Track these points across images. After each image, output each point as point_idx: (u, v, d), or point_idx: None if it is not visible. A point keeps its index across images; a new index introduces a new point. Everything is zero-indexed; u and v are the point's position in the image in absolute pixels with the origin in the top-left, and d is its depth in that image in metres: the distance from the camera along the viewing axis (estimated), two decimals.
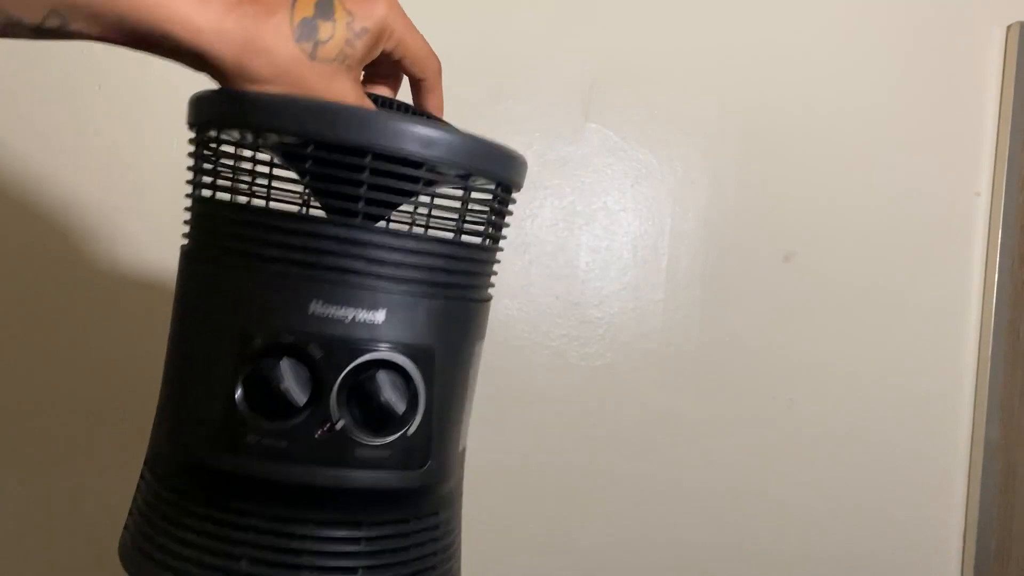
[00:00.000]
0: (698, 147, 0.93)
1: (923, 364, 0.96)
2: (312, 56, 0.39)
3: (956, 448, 0.97)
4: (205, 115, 0.41)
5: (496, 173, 0.44)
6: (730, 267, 0.93)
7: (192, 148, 0.43)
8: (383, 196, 0.40)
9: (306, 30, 0.38)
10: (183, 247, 0.44)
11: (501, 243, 0.48)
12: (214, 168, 0.43)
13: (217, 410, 0.39)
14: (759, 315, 0.93)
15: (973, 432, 0.96)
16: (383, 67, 0.46)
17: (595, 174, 0.91)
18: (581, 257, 0.90)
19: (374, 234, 0.39)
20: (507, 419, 0.88)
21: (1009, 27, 0.98)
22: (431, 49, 0.47)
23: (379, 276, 0.39)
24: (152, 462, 0.43)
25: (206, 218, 0.42)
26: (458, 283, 0.43)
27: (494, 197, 0.45)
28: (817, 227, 0.95)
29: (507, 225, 0.48)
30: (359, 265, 0.39)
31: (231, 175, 0.43)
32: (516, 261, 0.89)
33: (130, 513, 0.44)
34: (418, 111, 0.48)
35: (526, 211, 0.90)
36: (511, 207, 0.47)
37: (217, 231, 0.41)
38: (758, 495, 0.93)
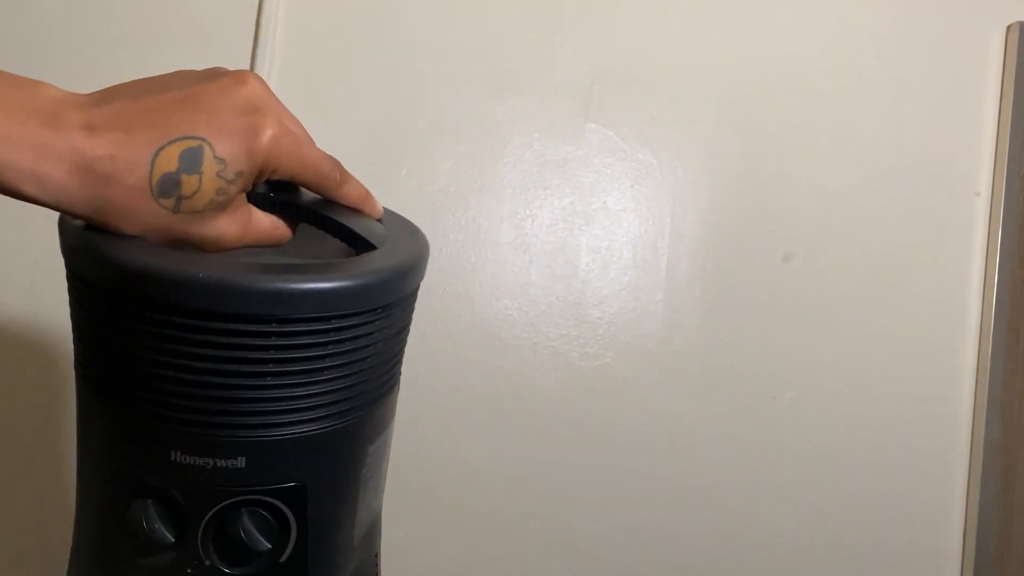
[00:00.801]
0: (698, 147, 0.93)
1: (923, 364, 0.96)
2: (176, 210, 0.36)
3: (956, 448, 0.97)
4: (70, 254, 0.39)
5: (365, 303, 0.39)
6: (730, 267, 0.93)
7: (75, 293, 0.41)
8: (237, 354, 0.37)
9: (167, 187, 0.35)
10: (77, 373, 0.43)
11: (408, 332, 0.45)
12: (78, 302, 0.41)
13: (94, 546, 0.41)
14: (759, 315, 0.93)
15: (973, 432, 0.96)
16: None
17: (595, 174, 0.91)
18: (581, 257, 0.90)
19: (230, 388, 0.37)
20: (507, 419, 0.88)
21: (1009, 27, 0.98)
22: (323, 157, 0.41)
23: (237, 426, 0.38)
24: None
25: (83, 347, 0.41)
26: (325, 414, 0.40)
27: (364, 323, 0.40)
28: (817, 227, 0.95)
29: (396, 332, 0.43)
30: (216, 419, 0.38)
31: (91, 315, 0.40)
32: (516, 261, 0.89)
33: None
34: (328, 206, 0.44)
35: (526, 211, 0.90)
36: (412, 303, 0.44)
37: (87, 363, 0.41)
38: (758, 495, 0.93)
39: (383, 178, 0.86)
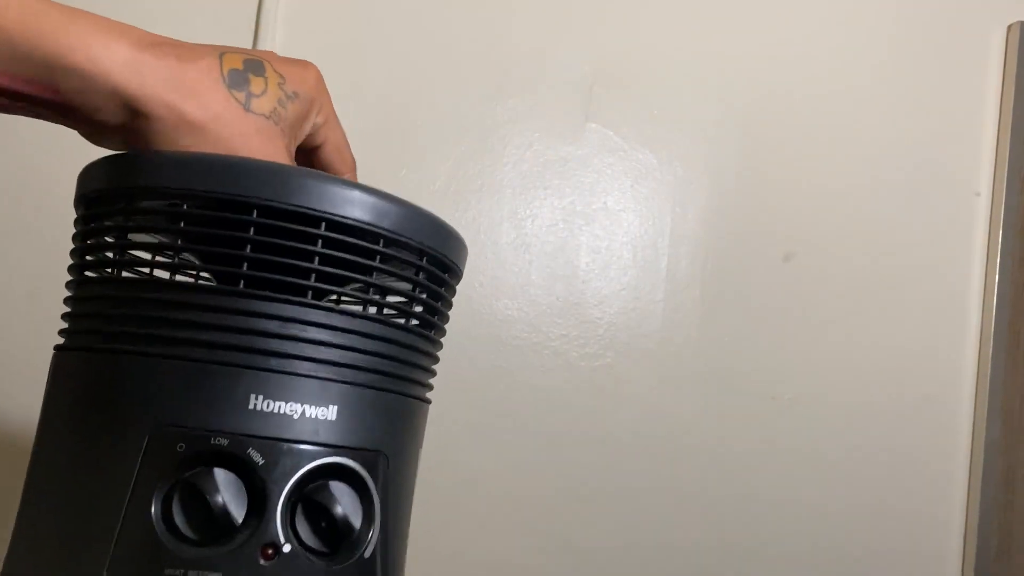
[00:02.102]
0: (698, 147, 0.93)
1: (923, 364, 0.96)
2: (247, 107, 0.35)
3: (956, 448, 0.96)
4: (127, 179, 0.35)
5: (447, 254, 0.38)
6: (730, 267, 0.93)
7: (89, 223, 0.37)
8: (334, 271, 0.34)
9: (237, 80, 0.35)
10: (61, 344, 0.37)
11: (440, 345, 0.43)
12: (119, 243, 0.35)
13: (123, 538, 0.31)
14: (759, 315, 0.93)
15: (974, 432, 0.96)
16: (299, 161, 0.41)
17: (595, 174, 0.91)
18: (581, 257, 0.90)
19: (327, 313, 0.33)
20: (507, 419, 0.88)
21: (1009, 27, 0.98)
22: (348, 142, 0.43)
23: (333, 364, 0.33)
24: None
25: (109, 301, 0.34)
26: (411, 376, 0.37)
27: (443, 284, 0.39)
28: (817, 227, 0.95)
29: (448, 319, 0.42)
30: (309, 350, 0.32)
31: (149, 249, 0.36)
32: (516, 261, 0.89)
33: None
34: None
35: (526, 211, 0.90)
36: (452, 297, 0.42)
37: (126, 314, 0.33)
38: (758, 495, 0.93)
39: (383, 178, 0.86)
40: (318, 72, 0.38)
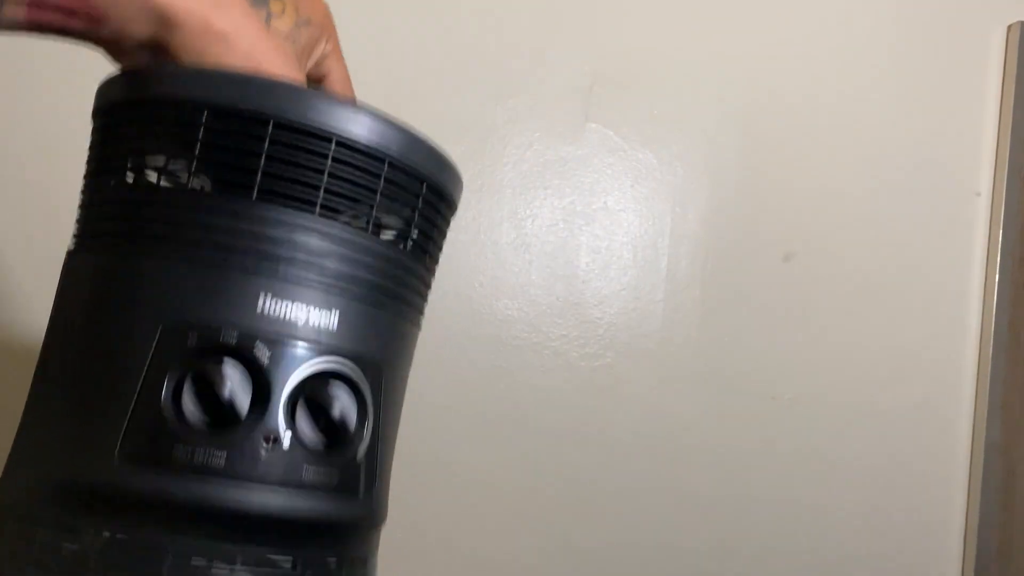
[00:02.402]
0: (698, 147, 0.93)
1: (923, 364, 0.96)
2: (268, 23, 0.36)
3: (956, 448, 0.97)
4: (147, 91, 0.36)
5: (445, 185, 0.42)
6: (730, 267, 0.93)
7: (108, 133, 0.39)
8: (343, 188, 0.36)
9: (257, 0, 0.36)
10: (77, 248, 0.38)
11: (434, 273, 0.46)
12: (139, 148, 0.37)
13: (135, 421, 0.33)
14: (759, 315, 0.93)
15: (973, 432, 0.96)
16: None
17: (595, 174, 0.91)
18: (581, 257, 0.90)
19: (334, 227, 0.35)
20: (507, 419, 0.88)
21: (1009, 27, 0.98)
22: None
23: (337, 275, 0.35)
24: (14, 502, 0.35)
25: (125, 205, 0.36)
26: (406, 298, 0.39)
27: (439, 213, 0.41)
28: (817, 227, 0.95)
29: (440, 251, 0.44)
30: (316, 259, 0.35)
31: (169, 153, 0.37)
32: (516, 261, 0.89)
33: None
34: None
35: (526, 211, 0.90)
36: (446, 229, 0.45)
37: (146, 218, 0.35)
38: (758, 495, 0.93)
39: None
40: (327, 4, 0.40)
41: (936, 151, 0.97)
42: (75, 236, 0.38)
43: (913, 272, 0.96)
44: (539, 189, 0.90)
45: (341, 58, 0.43)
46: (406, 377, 0.41)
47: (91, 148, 0.39)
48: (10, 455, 0.36)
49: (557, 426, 0.89)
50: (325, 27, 0.40)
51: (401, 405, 0.41)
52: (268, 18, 0.37)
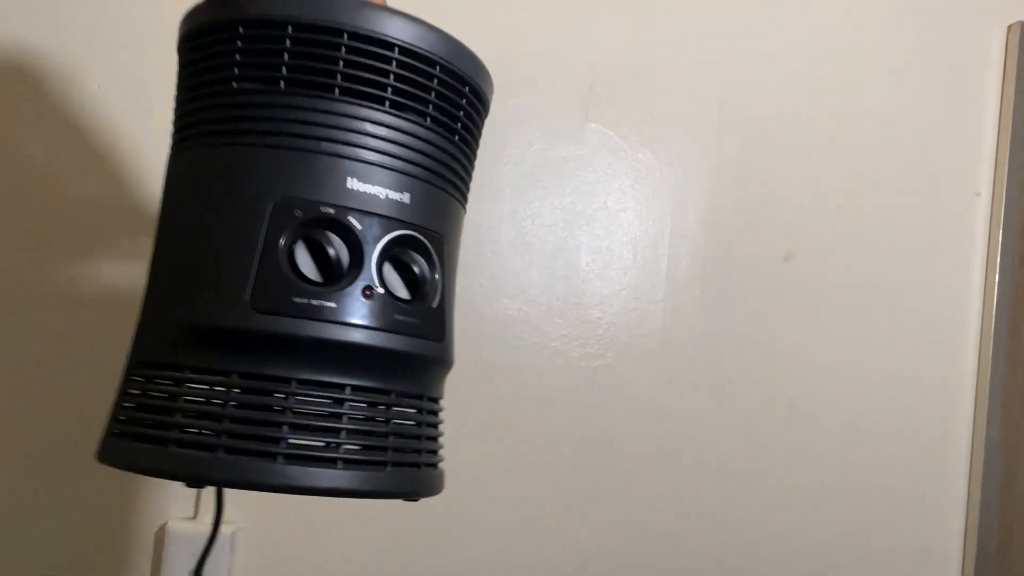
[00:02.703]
0: (698, 147, 0.93)
1: (923, 364, 0.96)
2: None
3: (956, 448, 0.97)
4: (239, 9, 0.43)
5: (484, 88, 0.51)
6: (730, 267, 0.93)
7: (201, 50, 0.45)
8: (407, 88, 0.44)
9: None
10: (189, 144, 0.45)
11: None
12: (235, 61, 0.44)
13: (260, 278, 0.40)
14: (759, 315, 0.93)
15: (973, 432, 0.96)
16: None
17: (595, 174, 0.91)
18: (581, 257, 0.90)
19: (401, 120, 0.44)
20: (507, 419, 0.88)
21: (1009, 27, 0.98)
22: None
23: (406, 161, 0.44)
24: (153, 352, 0.43)
25: (228, 108, 0.44)
26: (455, 182, 0.48)
27: (478, 112, 0.50)
28: (817, 227, 0.95)
29: (478, 143, 0.52)
30: (390, 148, 0.43)
31: (277, 63, 0.44)
32: (516, 261, 0.89)
33: (119, 420, 0.43)
34: None
35: (526, 211, 0.90)
36: (482, 125, 0.53)
37: (243, 117, 0.43)
38: (758, 494, 0.93)
39: None
40: None
41: (936, 151, 0.97)
42: (180, 139, 0.46)
43: (913, 272, 0.96)
44: (539, 189, 0.90)
45: None
46: (458, 249, 0.49)
47: (188, 65, 0.45)
48: (139, 322, 0.45)
49: (557, 426, 0.89)
50: None
51: (455, 271, 0.49)
52: None
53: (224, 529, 0.81)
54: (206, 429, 0.39)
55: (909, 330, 0.96)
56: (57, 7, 0.82)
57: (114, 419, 0.43)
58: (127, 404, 0.43)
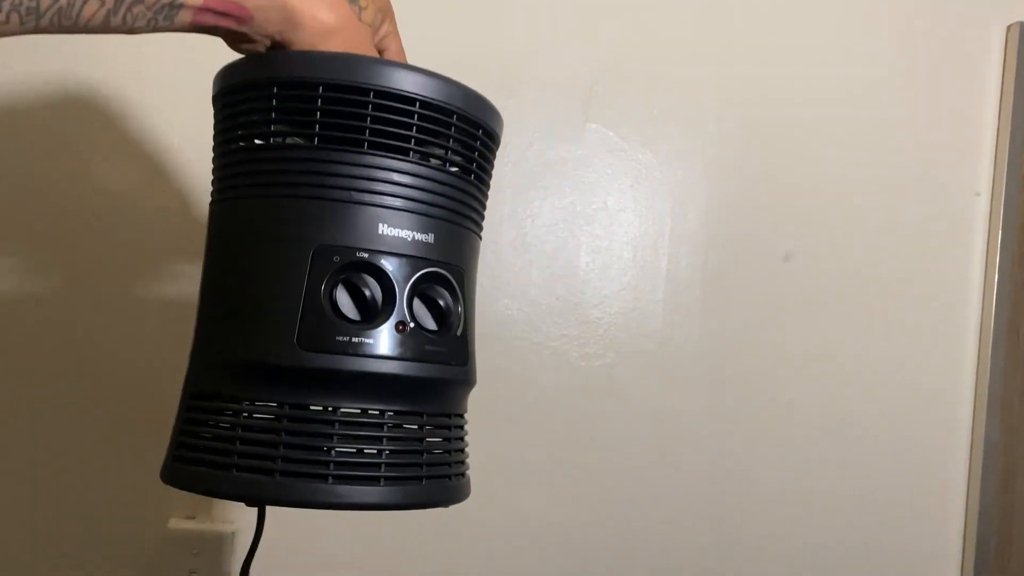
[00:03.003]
0: (698, 147, 0.93)
1: (923, 364, 0.96)
2: (360, 17, 0.47)
3: (956, 448, 0.97)
4: (278, 70, 0.47)
5: (495, 129, 0.54)
6: (730, 267, 0.93)
7: (237, 103, 0.49)
8: (426, 138, 0.48)
9: None
10: (218, 198, 0.50)
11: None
12: (270, 118, 0.48)
13: (305, 319, 0.45)
14: (759, 315, 0.93)
15: (973, 432, 0.96)
16: None
17: (595, 174, 0.91)
18: (581, 257, 0.90)
19: (423, 167, 0.48)
20: (507, 419, 0.88)
21: (1009, 27, 0.98)
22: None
23: (429, 204, 0.48)
24: (208, 385, 0.48)
25: (271, 162, 0.48)
26: (473, 217, 0.52)
27: (491, 149, 0.54)
28: (817, 227, 0.95)
29: (491, 176, 0.56)
30: (415, 195, 0.47)
31: (310, 123, 0.48)
32: (516, 261, 0.89)
33: (181, 445, 0.48)
34: None
35: (526, 211, 0.90)
36: (494, 160, 0.56)
37: (284, 171, 0.48)
38: (757, 494, 0.93)
39: None
40: None
41: (936, 151, 0.97)
42: (220, 188, 0.50)
43: (913, 272, 0.96)
44: (539, 189, 0.90)
45: (397, 36, 0.54)
46: (476, 275, 0.53)
47: (226, 120, 0.50)
48: (192, 356, 0.49)
49: (557, 426, 0.89)
50: (388, 11, 0.51)
51: (475, 297, 0.53)
52: (359, 12, 0.48)
53: (224, 528, 0.81)
54: (263, 455, 0.44)
55: (908, 330, 0.96)
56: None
57: (177, 444, 0.48)
58: (188, 431, 0.48)
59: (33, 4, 0.38)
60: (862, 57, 0.96)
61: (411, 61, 0.87)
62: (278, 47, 0.47)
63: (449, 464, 0.50)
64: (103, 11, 0.41)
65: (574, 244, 0.90)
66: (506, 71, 0.89)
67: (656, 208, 0.92)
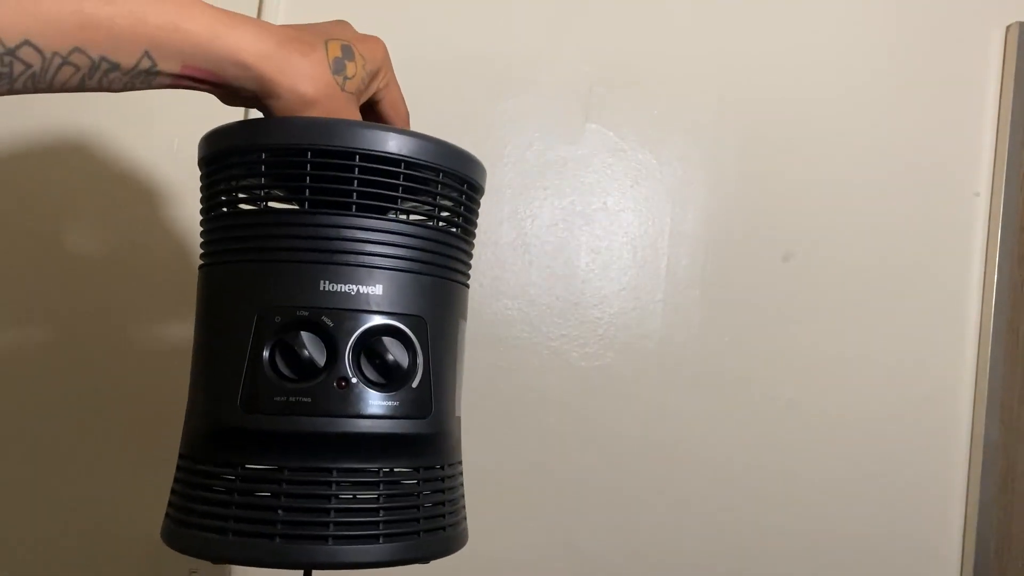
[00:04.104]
0: (698, 147, 0.93)
1: (923, 364, 0.96)
2: (343, 87, 0.48)
3: (956, 448, 0.97)
4: (255, 138, 0.48)
5: (475, 177, 0.53)
6: (730, 267, 0.93)
7: (219, 174, 0.50)
8: (384, 192, 0.48)
9: (338, 67, 0.48)
10: (202, 264, 0.51)
11: (473, 240, 0.55)
12: (233, 186, 0.49)
13: (247, 381, 0.46)
14: (759, 315, 0.93)
15: (973, 432, 0.96)
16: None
17: (595, 174, 0.91)
18: (581, 257, 0.90)
19: (368, 222, 0.47)
20: (507, 419, 0.88)
21: (1009, 27, 0.98)
22: (403, 97, 0.56)
23: (375, 255, 0.47)
24: (188, 448, 0.49)
25: (223, 230, 0.49)
26: (438, 263, 0.50)
27: (461, 194, 0.52)
28: (817, 227, 0.95)
29: (475, 223, 0.54)
30: (358, 247, 0.47)
31: (253, 190, 0.49)
32: (516, 261, 0.89)
33: (170, 504, 0.49)
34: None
35: (526, 211, 0.90)
36: (477, 207, 0.55)
37: (233, 237, 0.48)
38: (757, 494, 0.93)
39: None
40: (384, 47, 0.52)
41: (936, 151, 0.97)
42: (201, 255, 0.51)
43: (913, 272, 0.96)
44: (539, 189, 0.90)
45: (394, 86, 0.54)
46: (456, 321, 0.52)
47: (203, 189, 0.51)
48: (185, 417, 0.50)
49: (557, 426, 0.89)
50: (383, 67, 0.52)
51: (455, 341, 0.52)
52: (344, 82, 0.48)
53: None
54: (219, 515, 0.45)
55: (908, 330, 0.96)
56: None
57: (172, 505, 0.49)
58: (178, 492, 0.49)
59: (6, 70, 0.39)
60: (861, 57, 0.96)
61: (411, 61, 0.87)
62: (265, 109, 0.48)
63: (420, 520, 0.48)
64: (77, 76, 0.41)
65: (574, 244, 0.90)
66: (506, 72, 0.90)
67: (656, 208, 0.92)
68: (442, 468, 0.51)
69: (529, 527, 0.89)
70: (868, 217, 0.95)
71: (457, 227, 0.53)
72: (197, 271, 0.51)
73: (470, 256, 0.55)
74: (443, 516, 0.50)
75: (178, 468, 0.50)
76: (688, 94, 0.93)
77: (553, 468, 0.89)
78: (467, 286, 0.54)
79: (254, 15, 0.84)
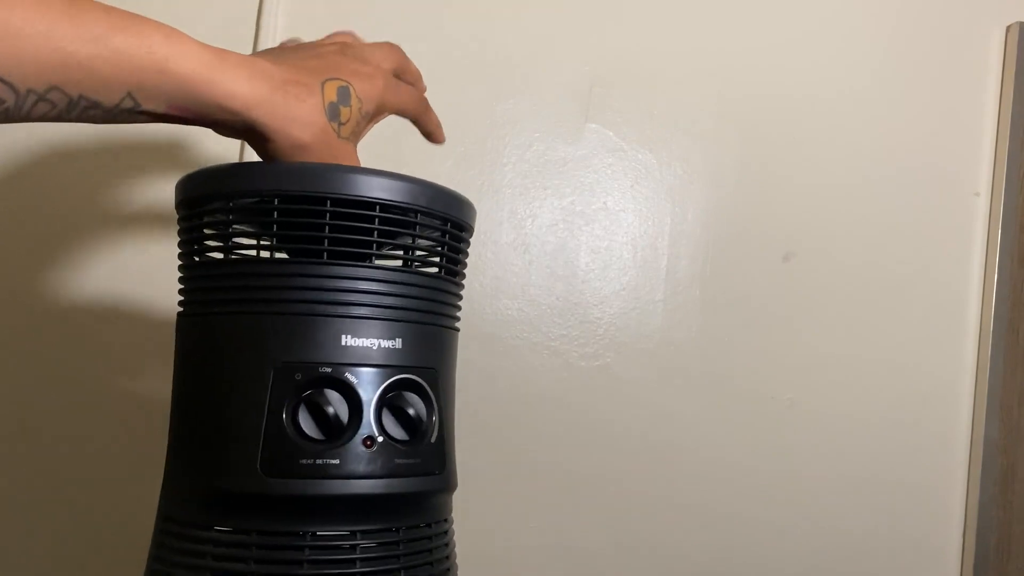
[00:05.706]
0: (698, 147, 0.93)
1: (923, 364, 0.96)
2: (338, 133, 0.47)
3: (956, 448, 0.97)
4: (228, 183, 0.46)
5: (465, 219, 0.51)
6: (730, 267, 0.93)
7: (199, 215, 0.48)
8: (387, 241, 0.47)
9: (333, 112, 0.47)
10: (189, 313, 0.48)
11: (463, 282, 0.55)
12: (230, 230, 0.47)
13: (267, 442, 0.43)
14: (759, 315, 0.93)
15: (973, 432, 0.97)
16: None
17: (595, 174, 0.91)
18: (581, 257, 0.90)
19: (387, 272, 0.46)
20: (507, 419, 0.88)
21: (1009, 27, 0.98)
22: (412, 91, 0.55)
23: (395, 308, 0.46)
24: (179, 511, 0.46)
25: (221, 278, 0.47)
26: (446, 312, 0.50)
27: (462, 241, 0.51)
28: (817, 227, 0.95)
29: (466, 267, 0.54)
30: (377, 301, 0.45)
31: (267, 235, 0.47)
32: (516, 261, 0.89)
33: (154, 572, 0.46)
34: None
35: (526, 211, 0.90)
36: (468, 249, 0.54)
37: (238, 287, 0.46)
38: (757, 495, 0.93)
39: None
40: (384, 80, 0.51)
41: (936, 151, 0.97)
42: (186, 301, 0.49)
43: (913, 272, 0.96)
44: (539, 189, 0.90)
45: (399, 100, 0.53)
46: (454, 371, 0.52)
47: (186, 232, 0.48)
48: (164, 476, 0.47)
49: (557, 426, 0.89)
50: (381, 107, 0.51)
51: (454, 394, 0.51)
52: (339, 128, 0.47)
53: None
54: None
55: (908, 330, 0.96)
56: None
57: (151, 571, 0.46)
58: (162, 557, 0.46)
59: None
60: (861, 57, 0.96)
61: (412, 60, 0.86)
62: (258, 149, 0.47)
63: (431, 563, 0.48)
64: (55, 112, 0.40)
65: (574, 244, 0.90)
66: (506, 72, 0.90)
67: (656, 208, 0.92)
68: (446, 520, 0.50)
69: (529, 527, 0.89)
70: (868, 217, 0.95)
71: (458, 274, 0.52)
72: (178, 319, 0.48)
73: (460, 300, 0.54)
74: (448, 571, 0.50)
75: (165, 532, 0.46)
76: (688, 94, 0.93)
77: (553, 468, 0.89)
78: (458, 330, 0.53)
79: (254, 15, 0.84)
